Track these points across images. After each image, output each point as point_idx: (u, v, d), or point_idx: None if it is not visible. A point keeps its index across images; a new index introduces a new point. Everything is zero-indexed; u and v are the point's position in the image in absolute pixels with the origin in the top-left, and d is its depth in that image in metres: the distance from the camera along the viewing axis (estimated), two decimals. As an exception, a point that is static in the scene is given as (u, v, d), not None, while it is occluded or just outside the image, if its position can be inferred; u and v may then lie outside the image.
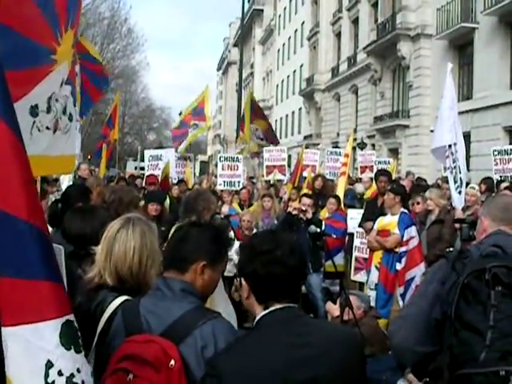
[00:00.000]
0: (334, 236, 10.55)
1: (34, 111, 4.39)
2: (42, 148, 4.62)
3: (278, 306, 2.85)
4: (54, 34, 4.59)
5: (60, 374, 2.48)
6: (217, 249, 3.30)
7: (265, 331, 2.85)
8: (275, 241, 2.92)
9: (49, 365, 2.46)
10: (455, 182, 9.21)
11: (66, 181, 11.72)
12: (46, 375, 2.44)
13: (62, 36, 4.72)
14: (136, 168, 22.48)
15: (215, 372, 2.71)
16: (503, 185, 12.73)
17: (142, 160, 21.82)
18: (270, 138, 21.37)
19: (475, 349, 3.05)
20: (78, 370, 2.56)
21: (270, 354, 2.70)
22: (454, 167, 9.19)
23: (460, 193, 9.19)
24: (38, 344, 2.45)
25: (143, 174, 20.42)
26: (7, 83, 2.58)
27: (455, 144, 9.25)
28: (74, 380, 2.51)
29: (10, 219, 2.44)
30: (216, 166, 20.71)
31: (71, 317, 2.62)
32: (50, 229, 5.79)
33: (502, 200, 4.06)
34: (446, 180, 11.99)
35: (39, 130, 4.51)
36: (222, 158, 18.40)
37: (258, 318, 2.90)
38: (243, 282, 2.95)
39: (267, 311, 2.87)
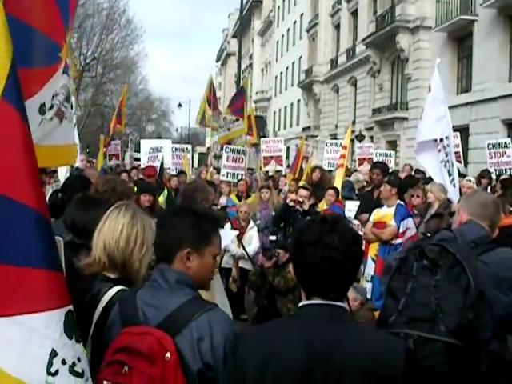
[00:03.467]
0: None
1: (42, 109, 4.44)
2: (49, 138, 4.64)
3: (319, 301, 2.78)
4: (65, 30, 4.63)
5: (63, 362, 2.49)
6: (198, 233, 3.22)
7: (294, 322, 2.84)
8: (322, 232, 2.77)
9: (53, 354, 2.47)
10: (449, 175, 9.23)
11: (63, 172, 11.74)
12: (50, 364, 2.45)
13: (68, 33, 4.76)
14: (135, 159, 22.43)
15: (233, 350, 2.76)
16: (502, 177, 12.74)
17: (138, 151, 21.75)
18: (234, 107, 20.38)
19: (389, 312, 3.34)
20: (79, 359, 2.58)
21: (286, 347, 2.67)
22: (447, 161, 9.20)
23: (454, 185, 9.21)
24: (43, 333, 2.46)
25: (139, 165, 20.38)
26: (19, 77, 2.59)
27: (447, 137, 9.26)
28: (76, 369, 2.53)
29: (20, 207, 2.45)
30: (214, 157, 20.69)
31: (71, 307, 2.63)
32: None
33: (483, 196, 4.40)
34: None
35: (44, 124, 4.55)
36: (227, 150, 18.31)
37: (300, 305, 2.86)
38: (291, 266, 2.92)
39: (307, 302, 2.81)
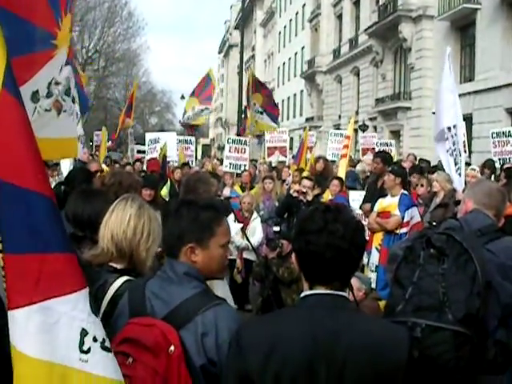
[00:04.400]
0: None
1: (35, 97, 4.41)
2: (44, 130, 4.63)
3: (321, 291, 2.76)
4: (55, 18, 4.60)
5: (95, 340, 2.51)
6: (199, 226, 3.17)
7: (297, 312, 2.82)
8: (325, 221, 2.74)
9: (84, 333, 2.49)
10: (456, 163, 9.19)
11: (66, 165, 11.74)
12: (81, 343, 2.47)
13: (62, 20, 4.73)
14: (138, 151, 22.47)
15: (236, 338, 2.74)
16: (506, 166, 12.69)
17: (142, 143, 21.83)
18: (270, 107, 20.89)
19: (396, 301, 3.34)
20: (107, 336, 2.60)
21: (289, 337, 2.66)
22: (454, 149, 9.17)
23: (460, 175, 9.18)
24: (71, 314, 2.47)
25: (143, 158, 20.44)
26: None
27: (455, 126, 9.23)
28: (106, 344, 2.55)
29: (30, 194, 2.43)
30: (218, 148, 20.73)
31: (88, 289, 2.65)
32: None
33: (487, 185, 4.41)
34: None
35: (39, 113, 4.52)
36: (230, 140, 18.30)
37: (302, 295, 2.84)
38: (293, 256, 2.90)
39: (310, 292, 2.80)
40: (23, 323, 2.40)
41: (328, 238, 2.70)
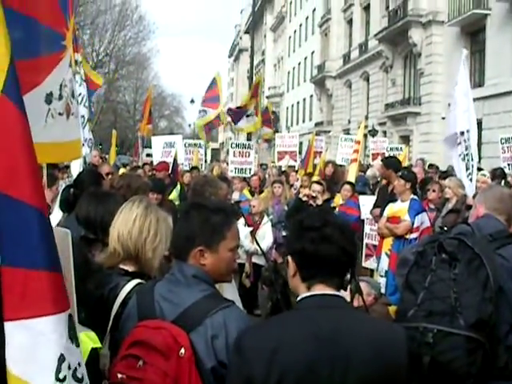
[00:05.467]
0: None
1: (48, 99, 4.40)
2: (56, 135, 4.62)
3: (320, 292, 2.78)
4: (65, 18, 4.61)
5: (69, 367, 2.43)
6: (210, 230, 3.16)
7: (297, 315, 2.82)
8: (324, 219, 2.82)
9: (62, 358, 2.41)
10: (467, 169, 9.17)
11: (76, 167, 11.74)
12: (58, 370, 2.39)
13: (70, 20, 4.74)
14: (148, 155, 22.43)
15: (237, 344, 2.73)
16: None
17: (150, 147, 21.83)
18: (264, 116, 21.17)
19: (407, 306, 3.35)
20: (79, 364, 2.51)
21: (291, 340, 2.66)
22: (467, 154, 9.15)
23: (471, 180, 9.16)
24: (50, 337, 2.40)
25: (151, 161, 20.44)
26: (17, 72, 2.55)
27: (468, 131, 9.21)
28: (77, 374, 2.46)
29: (22, 206, 2.37)
30: (227, 152, 20.72)
31: (71, 311, 2.55)
32: (61, 214, 5.81)
33: (499, 191, 4.41)
34: (452, 168, 11.96)
35: (53, 117, 4.51)
36: (233, 145, 18.23)
37: (299, 298, 2.84)
38: (290, 260, 2.88)
39: (308, 294, 2.79)
40: (9, 338, 2.36)
41: (330, 234, 2.75)
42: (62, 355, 2.41)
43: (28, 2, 4.05)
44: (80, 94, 11.19)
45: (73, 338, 2.50)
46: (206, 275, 3.14)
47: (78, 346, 2.55)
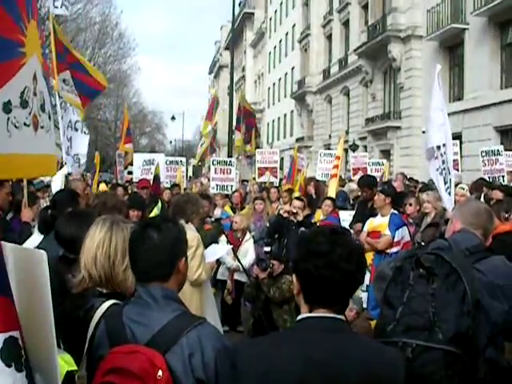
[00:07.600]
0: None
1: (6, 107, 4.29)
2: (23, 146, 4.57)
3: (321, 314, 2.76)
4: (18, 26, 4.54)
5: None
6: (184, 240, 3.27)
7: (293, 335, 2.82)
8: (333, 242, 2.76)
9: None
10: (445, 182, 9.21)
11: (57, 186, 11.68)
12: None
13: (27, 27, 4.67)
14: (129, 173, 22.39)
15: (232, 361, 2.72)
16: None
17: (131, 164, 21.84)
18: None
19: (386, 321, 3.34)
20: None
21: (282, 361, 2.65)
22: (444, 168, 9.19)
23: (450, 194, 9.20)
24: None
25: (131, 179, 20.45)
26: None
27: (444, 145, 9.25)
28: None
29: None
30: (209, 169, 20.73)
31: (16, 334, 2.49)
32: (40, 236, 5.76)
33: (475, 205, 4.42)
34: (432, 182, 11.99)
35: (16, 127, 4.43)
36: (214, 162, 18.29)
37: (299, 318, 2.83)
38: (294, 279, 2.87)
39: (308, 315, 2.79)
40: None
41: (336, 261, 2.72)
42: None
43: None
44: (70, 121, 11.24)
45: (8, 360, 2.42)
46: (175, 294, 3.15)
47: (19, 370, 2.47)
